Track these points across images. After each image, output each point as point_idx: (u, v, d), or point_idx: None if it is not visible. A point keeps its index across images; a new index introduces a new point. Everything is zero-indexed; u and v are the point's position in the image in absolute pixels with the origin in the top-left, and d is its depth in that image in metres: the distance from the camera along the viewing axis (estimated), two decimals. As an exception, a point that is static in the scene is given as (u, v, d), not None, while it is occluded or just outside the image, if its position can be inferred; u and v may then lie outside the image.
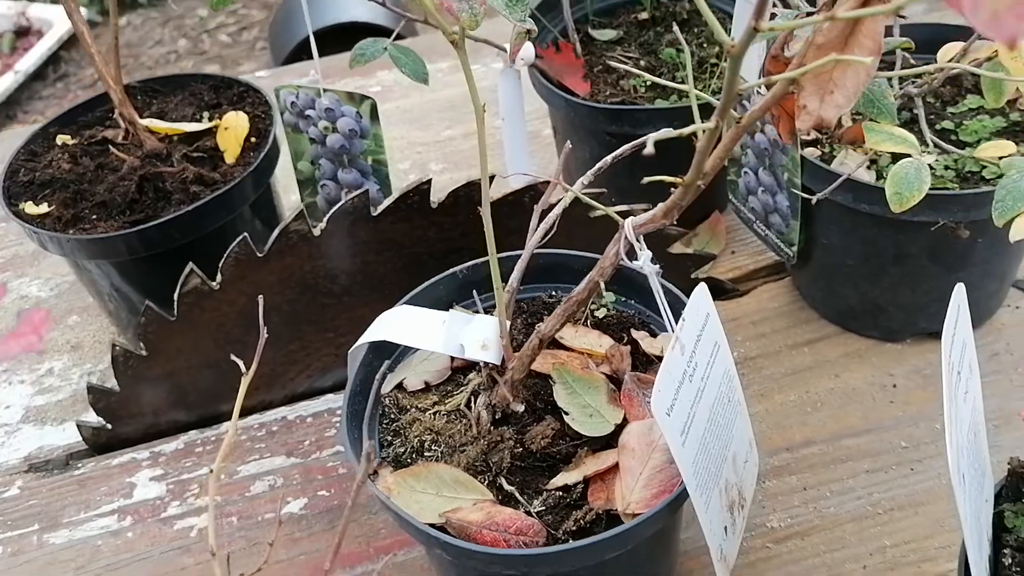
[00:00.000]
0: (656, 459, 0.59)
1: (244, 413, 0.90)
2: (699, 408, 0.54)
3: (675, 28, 0.61)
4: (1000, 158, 0.63)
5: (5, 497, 0.85)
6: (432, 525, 0.56)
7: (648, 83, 0.90)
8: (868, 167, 0.73)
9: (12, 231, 1.15)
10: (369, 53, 0.78)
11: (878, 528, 0.72)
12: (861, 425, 0.79)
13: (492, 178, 0.76)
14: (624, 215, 0.55)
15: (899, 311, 0.82)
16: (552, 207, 0.61)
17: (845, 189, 0.73)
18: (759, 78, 0.62)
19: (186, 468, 0.85)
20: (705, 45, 0.93)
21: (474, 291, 0.69)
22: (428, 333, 0.62)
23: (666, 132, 0.48)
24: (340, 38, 1.44)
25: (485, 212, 0.54)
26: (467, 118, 1.21)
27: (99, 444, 0.88)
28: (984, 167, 0.68)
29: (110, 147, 0.89)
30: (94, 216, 0.83)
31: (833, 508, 0.74)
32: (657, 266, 0.52)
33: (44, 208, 0.85)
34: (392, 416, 0.65)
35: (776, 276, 0.94)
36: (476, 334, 0.60)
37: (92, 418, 0.86)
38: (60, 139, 0.93)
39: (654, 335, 0.67)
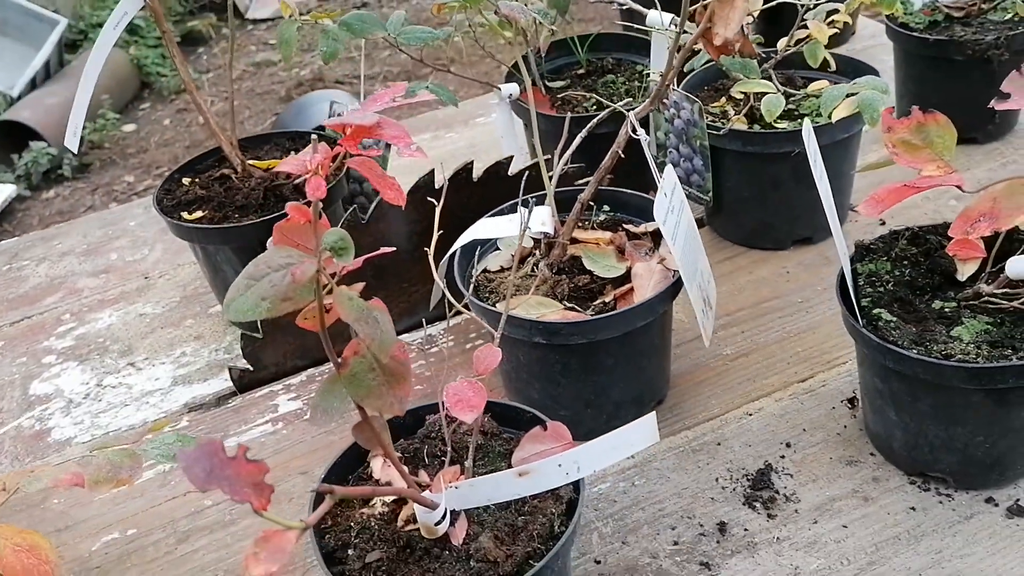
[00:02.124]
0: (655, 278, 0.98)
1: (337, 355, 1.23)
2: (679, 230, 0.94)
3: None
4: (820, 90, 1.08)
5: (179, 427, 1.15)
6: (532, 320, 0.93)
7: (592, 104, 1.34)
8: (749, 125, 1.18)
9: (114, 278, 1.46)
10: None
11: (791, 343, 1.12)
12: (771, 295, 1.20)
13: (511, 157, 1.17)
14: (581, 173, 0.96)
15: (782, 224, 1.25)
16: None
17: (735, 139, 1.17)
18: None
19: (312, 391, 1.17)
20: (629, 80, 1.38)
21: (530, 199, 1.07)
22: (504, 226, 1.00)
23: (598, 118, 0.89)
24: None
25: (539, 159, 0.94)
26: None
27: (243, 384, 1.19)
28: (813, 112, 1.14)
29: (232, 178, 1.25)
30: (236, 216, 1.18)
31: (762, 338, 1.13)
32: (647, 137, 0.92)
33: (198, 215, 1.19)
34: (484, 285, 1.02)
35: (699, 227, 1.36)
36: (537, 217, 0.99)
37: (234, 372, 1.18)
38: (185, 180, 1.28)
39: (637, 226, 1.07)
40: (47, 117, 3.87)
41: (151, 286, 1.43)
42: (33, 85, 4.11)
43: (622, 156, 0.93)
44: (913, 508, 0.90)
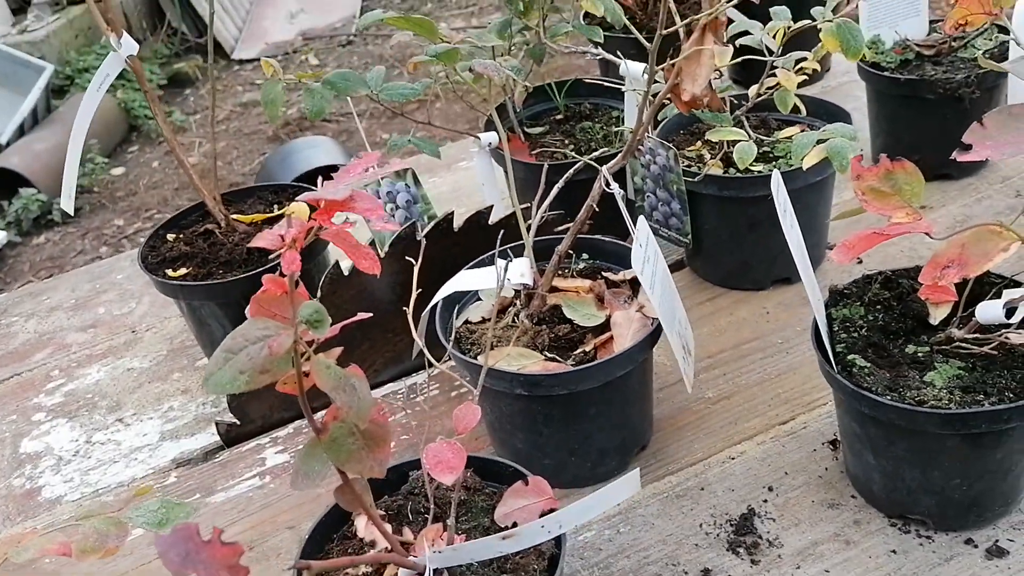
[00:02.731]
0: (634, 327, 0.99)
1: (324, 406, 1.23)
2: (655, 279, 0.95)
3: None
4: (789, 137, 1.10)
5: (167, 484, 1.15)
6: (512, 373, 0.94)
7: (572, 150, 1.36)
8: (725, 169, 1.20)
9: (102, 332, 1.47)
10: (400, 144, 1.20)
11: (772, 384, 1.13)
12: (751, 336, 1.22)
13: (491, 207, 1.19)
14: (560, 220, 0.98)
15: (760, 265, 1.27)
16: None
17: (711, 184, 1.19)
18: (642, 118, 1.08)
19: (299, 443, 1.18)
20: (606, 125, 1.41)
21: (508, 251, 1.08)
22: (484, 278, 1.02)
23: (573, 169, 0.92)
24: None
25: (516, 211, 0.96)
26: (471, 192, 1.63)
27: (230, 438, 1.19)
28: (787, 154, 1.16)
29: (215, 233, 1.26)
30: (220, 272, 1.20)
31: (743, 380, 1.15)
32: (621, 191, 0.94)
33: (182, 271, 1.20)
34: (465, 336, 1.03)
35: (678, 269, 1.38)
36: (515, 269, 1.00)
37: (221, 427, 1.19)
38: (169, 236, 1.30)
39: (616, 274, 1.09)
40: (36, 163, 3.89)
41: (138, 340, 1.43)
42: (21, 131, 4.13)
43: (596, 210, 0.95)
44: (894, 551, 0.91)
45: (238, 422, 1.19)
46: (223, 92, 4.59)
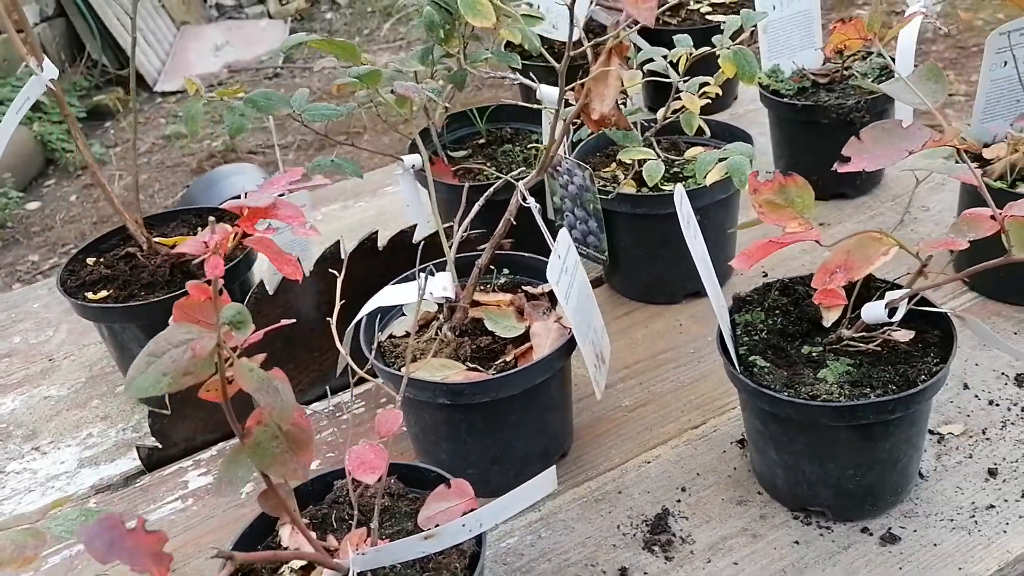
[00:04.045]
0: (552, 336, 1.03)
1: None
2: (572, 290, 1.00)
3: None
4: (695, 157, 1.17)
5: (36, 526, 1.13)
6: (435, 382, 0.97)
7: (492, 173, 1.41)
8: (638, 188, 1.26)
9: (18, 361, 1.44)
10: (323, 165, 1.23)
11: (685, 392, 1.19)
12: (666, 347, 1.27)
13: (415, 226, 1.22)
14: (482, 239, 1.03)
15: (674, 279, 1.33)
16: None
17: (624, 202, 1.25)
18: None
19: (223, 464, 1.17)
20: (526, 148, 1.46)
21: (431, 265, 1.12)
22: (406, 293, 1.05)
23: (493, 188, 0.97)
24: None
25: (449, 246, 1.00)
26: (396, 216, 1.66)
27: (151, 462, 1.18)
28: (695, 174, 1.23)
29: (137, 256, 1.26)
30: (142, 293, 1.20)
31: (658, 388, 1.20)
32: (538, 205, 0.98)
33: (103, 294, 1.20)
34: (390, 350, 1.05)
35: (597, 286, 1.43)
36: (438, 283, 1.03)
37: (142, 451, 1.18)
38: (89, 260, 1.29)
39: (535, 287, 1.13)
40: (-55, 197, 3.76)
41: (56, 368, 1.41)
42: (-70, 164, 3.99)
43: (514, 224, 1.00)
44: (797, 542, 0.97)
45: (160, 445, 1.18)
46: (145, 124, 4.53)
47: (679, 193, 0.95)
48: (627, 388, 1.20)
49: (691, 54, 1.15)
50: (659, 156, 1.17)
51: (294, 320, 0.77)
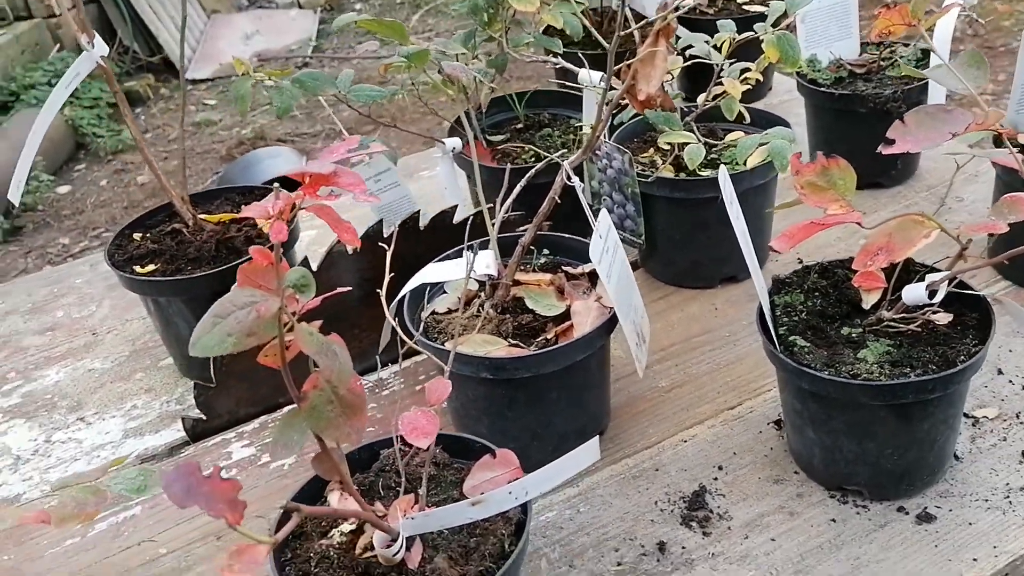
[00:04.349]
0: (593, 315, 1.05)
1: (290, 400, 1.26)
2: (613, 270, 1.01)
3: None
4: (736, 140, 1.18)
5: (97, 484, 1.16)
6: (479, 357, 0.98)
7: (530, 156, 1.42)
8: (676, 173, 1.27)
9: (61, 335, 1.47)
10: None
11: (721, 374, 1.20)
12: (701, 330, 1.28)
13: (456, 207, 1.24)
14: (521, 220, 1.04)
15: (710, 264, 1.34)
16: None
17: (662, 186, 1.26)
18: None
19: (264, 437, 1.20)
20: (564, 133, 1.48)
21: (474, 245, 1.13)
22: (450, 270, 1.06)
23: (534, 170, 0.98)
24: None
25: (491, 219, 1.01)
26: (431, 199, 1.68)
27: (196, 433, 1.21)
28: (732, 160, 1.24)
29: (183, 232, 1.28)
30: (188, 268, 1.22)
31: (694, 370, 1.21)
32: (581, 184, 1.00)
33: (150, 268, 1.22)
34: (432, 326, 1.07)
35: (633, 270, 1.44)
36: (481, 261, 1.05)
37: (187, 422, 1.21)
38: (135, 235, 1.31)
39: (575, 268, 1.15)
40: (-22, 180, 3.82)
41: (99, 342, 1.44)
42: (-37, 147, 4.05)
43: (559, 202, 1.01)
44: (833, 520, 0.98)
45: (204, 417, 1.21)
46: (176, 111, 4.58)
47: (723, 175, 0.96)
48: (663, 369, 1.22)
49: (734, 39, 1.16)
50: (699, 140, 1.18)
51: (349, 288, 0.79)
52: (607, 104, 0.95)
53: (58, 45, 4.71)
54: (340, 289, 0.78)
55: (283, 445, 0.75)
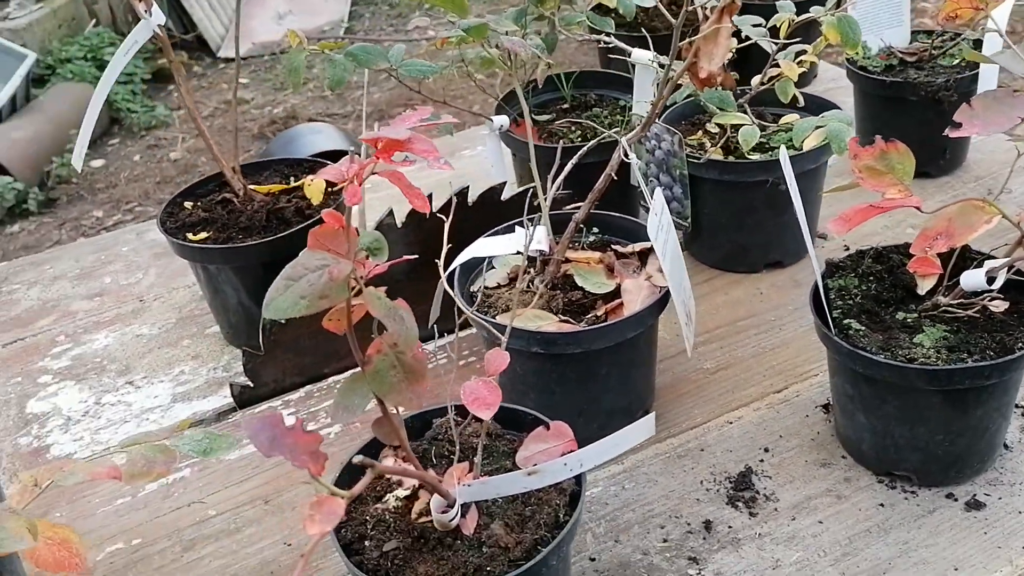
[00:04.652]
0: (643, 294, 1.05)
1: (341, 371, 1.28)
2: (667, 247, 1.01)
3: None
4: (790, 124, 1.18)
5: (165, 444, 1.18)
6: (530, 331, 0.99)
7: (578, 136, 1.42)
8: (725, 156, 1.27)
9: (109, 300, 1.49)
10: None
11: (766, 357, 1.20)
12: (746, 314, 1.28)
13: (505, 183, 1.25)
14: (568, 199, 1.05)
15: (755, 248, 1.34)
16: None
17: (712, 168, 1.26)
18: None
19: (311, 406, 1.22)
20: (611, 114, 1.47)
21: (526, 220, 1.13)
22: (503, 244, 1.07)
23: (588, 146, 0.98)
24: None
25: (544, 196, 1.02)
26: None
27: (243, 400, 1.23)
28: (782, 145, 1.23)
29: (234, 201, 1.30)
30: (240, 237, 1.23)
31: (739, 353, 1.21)
32: (638, 161, 1.00)
33: (203, 236, 1.24)
34: (481, 301, 1.08)
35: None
36: (534, 237, 1.05)
37: (235, 388, 1.22)
38: (187, 204, 1.33)
39: (624, 247, 1.15)
40: (13, 151, 3.86)
41: (146, 308, 1.46)
42: (-1, 118, 4.10)
43: (615, 179, 1.01)
44: (882, 504, 0.98)
45: (251, 384, 1.23)
46: (208, 89, 4.61)
47: (784, 155, 0.96)
48: (708, 351, 1.22)
49: (793, 20, 1.15)
50: (753, 122, 1.18)
51: (416, 256, 0.80)
52: (669, 81, 0.94)
53: (94, 20, 4.75)
54: (407, 257, 0.78)
55: (344, 408, 0.76)
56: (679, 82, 1.01)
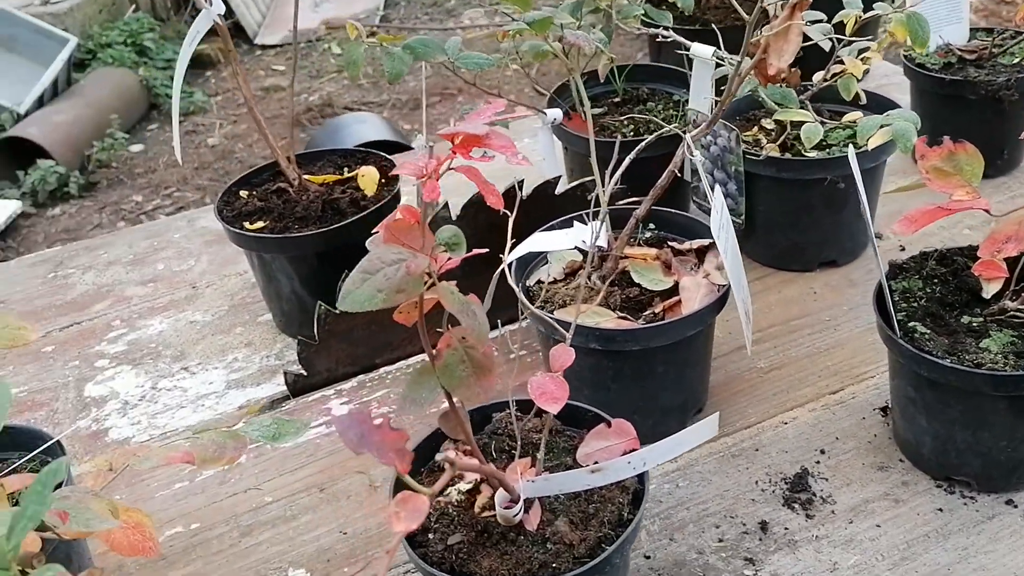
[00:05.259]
0: (702, 292, 1.05)
1: (392, 361, 1.29)
2: (727, 245, 1.00)
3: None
4: (853, 121, 1.17)
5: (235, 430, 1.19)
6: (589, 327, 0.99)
7: (630, 131, 1.42)
8: (782, 153, 1.26)
9: (162, 286, 1.51)
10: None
11: (822, 357, 1.19)
12: (800, 313, 1.27)
13: (559, 177, 1.25)
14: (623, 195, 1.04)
15: (810, 247, 1.33)
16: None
17: (770, 165, 1.25)
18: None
19: (363, 396, 1.23)
20: (665, 108, 1.46)
21: (584, 214, 1.13)
22: (561, 240, 1.07)
23: (650, 139, 0.97)
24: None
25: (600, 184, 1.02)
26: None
27: (296, 389, 1.24)
28: (840, 143, 1.22)
29: (288, 191, 1.31)
30: (296, 227, 1.25)
31: (793, 353, 1.20)
32: (701, 159, 0.99)
33: (260, 225, 1.25)
34: (536, 295, 1.08)
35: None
36: (592, 232, 1.05)
37: (289, 376, 1.24)
38: (242, 193, 1.34)
39: (681, 244, 1.14)
40: (55, 134, 3.91)
41: (199, 295, 1.48)
42: (40, 102, 4.15)
43: (678, 175, 1.01)
44: (940, 509, 0.97)
45: (305, 373, 1.24)
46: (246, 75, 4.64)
47: (852, 154, 0.95)
48: (762, 351, 1.21)
49: (860, 17, 1.14)
50: (816, 119, 1.17)
51: (486, 250, 0.80)
52: (738, 76, 0.94)
53: (134, 5, 4.80)
54: (477, 251, 0.79)
55: (412, 401, 0.77)
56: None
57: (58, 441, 0.96)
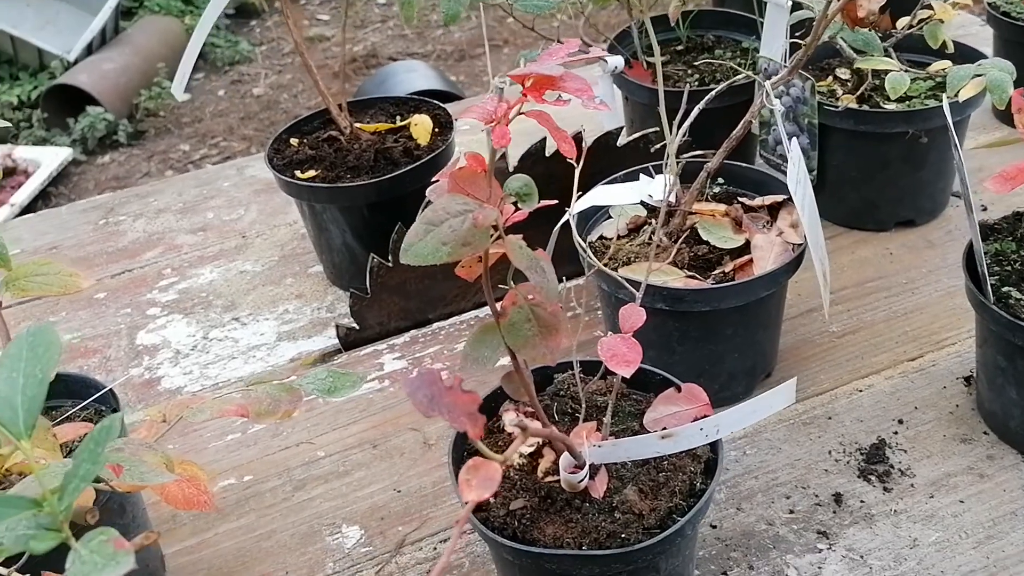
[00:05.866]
0: (776, 251, 0.99)
1: (445, 316, 1.25)
2: (804, 202, 0.94)
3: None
4: (941, 71, 1.08)
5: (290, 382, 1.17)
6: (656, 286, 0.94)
7: (695, 80, 1.34)
8: (859, 105, 1.18)
9: (212, 236, 1.49)
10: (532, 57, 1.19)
11: (900, 322, 1.13)
12: (875, 275, 1.21)
13: (621, 129, 1.19)
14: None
15: (886, 205, 1.25)
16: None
17: (847, 118, 1.17)
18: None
19: (416, 351, 1.20)
20: (733, 57, 1.39)
21: (650, 167, 1.08)
22: (626, 193, 1.01)
23: (725, 85, 0.91)
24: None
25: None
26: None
27: (348, 343, 1.21)
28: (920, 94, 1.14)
29: (340, 140, 1.27)
30: (348, 176, 1.21)
31: (868, 317, 1.14)
32: (781, 107, 0.93)
33: (311, 174, 1.22)
34: (601, 252, 1.03)
35: (794, 208, 1.36)
36: (658, 185, 1.00)
37: (340, 330, 1.21)
38: (292, 141, 1.30)
39: (752, 200, 1.08)
40: (104, 82, 3.91)
41: (249, 245, 1.45)
42: (89, 50, 4.15)
43: (752, 124, 0.94)
44: (1030, 486, 0.91)
45: (357, 327, 1.21)
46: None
47: (947, 105, 0.88)
48: (834, 313, 1.15)
49: (957, -44, 1.05)
50: (902, 69, 1.09)
51: (556, 201, 0.75)
52: (824, 18, 0.87)
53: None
54: (546, 202, 0.74)
55: (474, 360, 0.73)
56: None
57: (111, 390, 0.94)
